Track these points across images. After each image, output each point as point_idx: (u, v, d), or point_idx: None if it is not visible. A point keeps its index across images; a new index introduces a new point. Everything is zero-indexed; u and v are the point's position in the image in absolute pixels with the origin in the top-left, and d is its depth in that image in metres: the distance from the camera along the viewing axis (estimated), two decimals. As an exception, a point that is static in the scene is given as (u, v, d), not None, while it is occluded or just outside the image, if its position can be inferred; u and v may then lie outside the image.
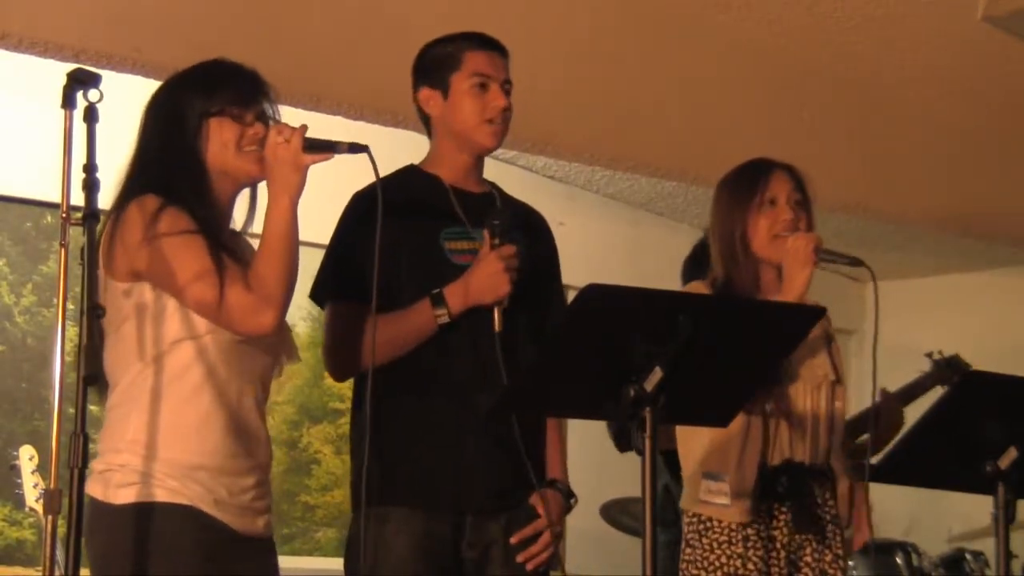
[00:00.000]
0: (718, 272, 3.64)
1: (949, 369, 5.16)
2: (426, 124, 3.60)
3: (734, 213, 3.64)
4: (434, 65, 3.53)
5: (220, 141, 3.11)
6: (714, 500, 3.53)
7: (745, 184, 3.66)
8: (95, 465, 2.98)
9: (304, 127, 3.08)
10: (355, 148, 3.14)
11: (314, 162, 3.07)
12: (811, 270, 3.52)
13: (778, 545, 3.52)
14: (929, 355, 5.41)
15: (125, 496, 2.95)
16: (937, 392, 4.76)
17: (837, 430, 3.65)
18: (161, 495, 2.95)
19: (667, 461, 4.40)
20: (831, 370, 3.65)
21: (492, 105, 3.48)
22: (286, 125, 3.10)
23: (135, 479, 2.95)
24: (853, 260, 3.58)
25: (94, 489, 2.96)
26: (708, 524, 3.54)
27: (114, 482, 2.96)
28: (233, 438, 3.04)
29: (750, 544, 3.51)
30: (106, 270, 2.99)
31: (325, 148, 3.11)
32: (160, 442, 2.97)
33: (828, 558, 3.57)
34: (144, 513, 2.94)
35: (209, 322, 2.99)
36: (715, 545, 3.53)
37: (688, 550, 3.57)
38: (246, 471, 3.06)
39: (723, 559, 3.51)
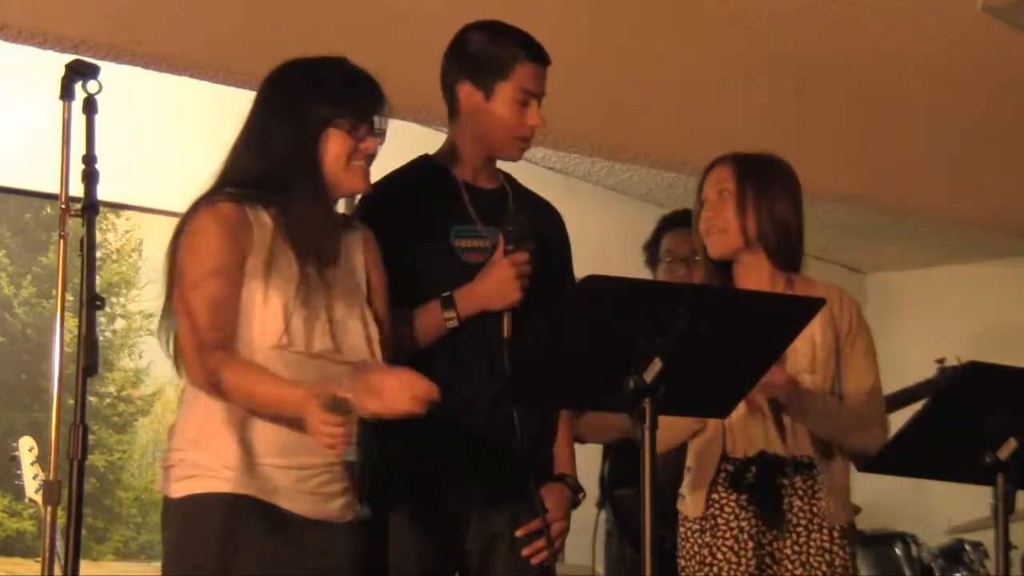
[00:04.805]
0: None
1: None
2: (452, 112, 3.54)
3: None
4: (483, 64, 3.46)
5: (334, 153, 3.09)
6: (682, 491, 3.58)
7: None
8: (164, 461, 3.08)
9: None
10: None
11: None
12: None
13: (745, 536, 3.50)
14: (940, 362, 5.30)
15: (180, 490, 3.00)
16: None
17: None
18: (216, 486, 2.97)
19: None
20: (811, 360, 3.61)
21: (529, 124, 3.47)
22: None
23: (192, 472, 2.99)
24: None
25: (161, 485, 3.06)
26: (683, 515, 3.59)
27: (173, 476, 3.01)
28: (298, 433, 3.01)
29: (719, 534, 3.51)
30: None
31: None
32: (223, 436, 2.99)
33: (812, 550, 3.51)
34: (200, 504, 2.97)
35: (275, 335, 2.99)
36: (689, 534, 3.56)
37: (677, 540, 3.60)
38: (310, 461, 3.05)
39: (695, 548, 3.53)
